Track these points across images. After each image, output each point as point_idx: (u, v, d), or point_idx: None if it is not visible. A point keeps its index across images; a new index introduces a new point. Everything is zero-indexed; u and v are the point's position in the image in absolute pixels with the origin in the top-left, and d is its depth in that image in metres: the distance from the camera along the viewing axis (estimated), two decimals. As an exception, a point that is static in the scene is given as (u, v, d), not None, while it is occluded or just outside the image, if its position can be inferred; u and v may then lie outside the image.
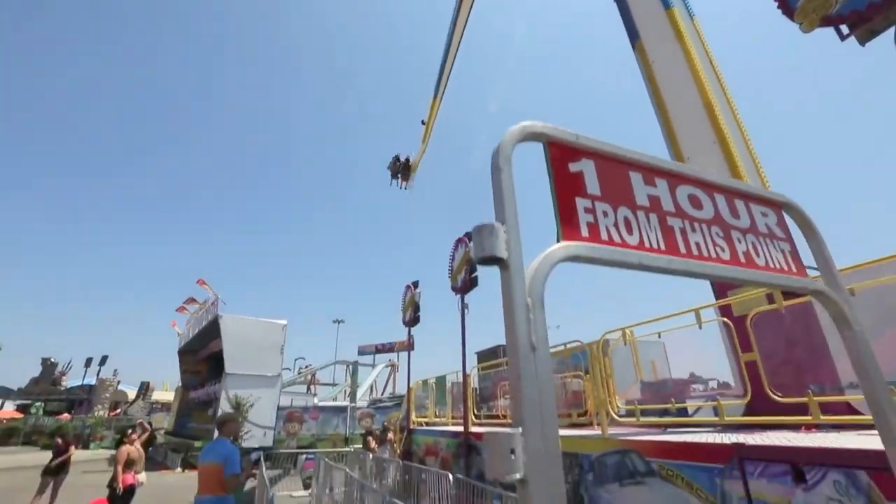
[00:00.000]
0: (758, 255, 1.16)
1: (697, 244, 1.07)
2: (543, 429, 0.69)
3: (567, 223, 0.91)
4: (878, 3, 3.24)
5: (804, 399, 3.57)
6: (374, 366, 38.22)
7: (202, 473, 4.33)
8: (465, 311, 8.05)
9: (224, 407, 16.11)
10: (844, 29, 3.53)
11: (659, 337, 5.09)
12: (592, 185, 1.00)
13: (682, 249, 1.03)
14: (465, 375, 7.75)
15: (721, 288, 5.65)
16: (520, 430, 0.67)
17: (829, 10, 3.52)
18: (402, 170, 19.37)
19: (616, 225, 0.97)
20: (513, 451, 0.65)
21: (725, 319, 4.60)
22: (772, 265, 1.17)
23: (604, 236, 0.94)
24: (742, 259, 1.12)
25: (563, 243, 0.88)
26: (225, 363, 17.87)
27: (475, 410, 8.59)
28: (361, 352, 40.32)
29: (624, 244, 0.95)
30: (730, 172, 6.02)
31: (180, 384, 26.56)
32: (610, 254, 0.91)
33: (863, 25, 3.42)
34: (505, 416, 8.25)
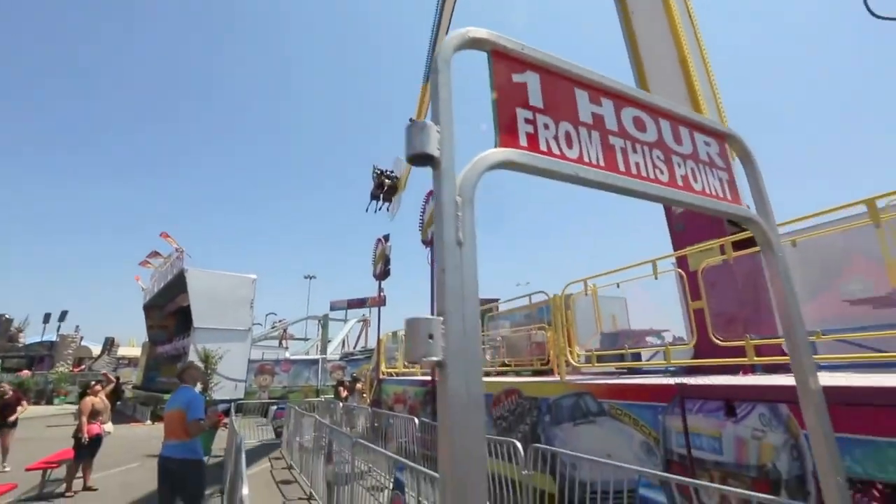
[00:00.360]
0: (696, 180, 1.19)
1: (637, 164, 1.09)
2: (464, 317, 0.71)
3: (505, 131, 0.91)
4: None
5: (742, 342, 3.83)
6: (345, 321, 38.50)
7: (167, 420, 4.38)
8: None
9: (193, 360, 16.05)
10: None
11: (618, 287, 5.30)
12: (535, 97, 0.99)
13: (622, 168, 1.05)
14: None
15: (679, 243, 5.87)
16: (441, 318, 0.69)
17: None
18: (386, 191, 14.91)
19: (556, 138, 0.97)
20: (431, 336, 0.67)
21: (680, 270, 4.81)
22: (709, 191, 1.21)
23: (542, 147, 0.94)
24: (680, 182, 1.15)
25: (500, 149, 0.87)
26: (192, 317, 17.62)
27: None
28: (334, 307, 40.37)
29: (563, 156, 0.95)
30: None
31: (147, 339, 26.14)
32: (546, 164, 0.91)
33: None
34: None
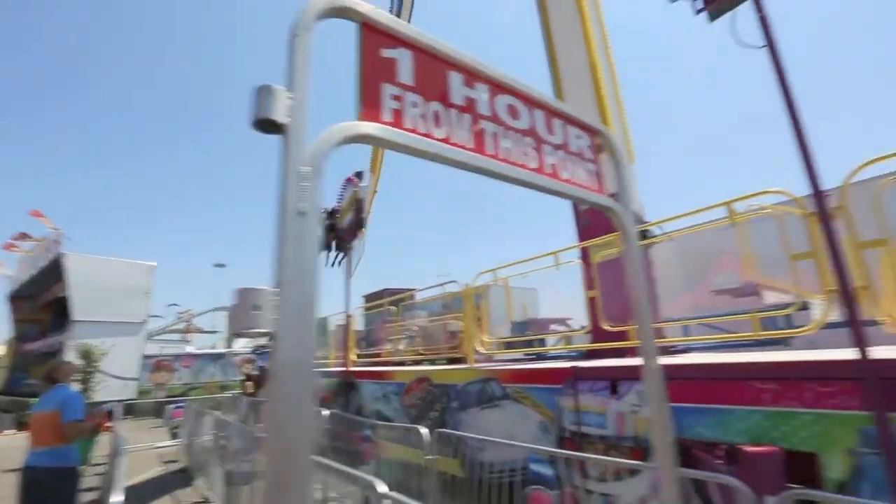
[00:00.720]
0: (564, 169, 1.27)
1: (508, 149, 1.13)
2: (303, 289, 0.68)
3: (368, 105, 0.89)
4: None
5: (625, 328, 4.24)
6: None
7: (34, 425, 3.81)
8: (352, 251, 7.94)
9: (71, 358, 14.12)
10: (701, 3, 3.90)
11: (524, 277, 5.58)
12: (406, 75, 0.98)
13: (490, 151, 1.08)
14: (347, 316, 7.77)
15: (584, 238, 6.32)
16: (272, 289, 0.66)
17: (691, -17, 3.81)
18: (339, 235, 10.39)
19: (424, 117, 0.98)
20: (257, 308, 0.64)
21: (580, 261, 5.18)
22: (576, 180, 1.29)
23: (407, 125, 0.93)
24: (548, 170, 1.21)
25: (358, 122, 0.85)
26: (72, 309, 15.47)
27: (358, 350, 8.75)
28: (246, 298, 37.81)
29: (428, 135, 0.96)
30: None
31: (13, 335, 22.50)
32: (409, 141, 0.91)
33: (714, 2, 3.78)
34: (389, 354, 8.52)
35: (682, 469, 2.79)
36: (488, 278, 5.77)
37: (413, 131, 0.93)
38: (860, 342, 2.60)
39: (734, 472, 2.69)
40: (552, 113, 1.31)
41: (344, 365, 7.63)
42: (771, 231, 4.33)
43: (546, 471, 3.13)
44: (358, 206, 7.97)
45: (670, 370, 3.37)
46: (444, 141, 0.98)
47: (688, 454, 3.09)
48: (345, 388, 7.25)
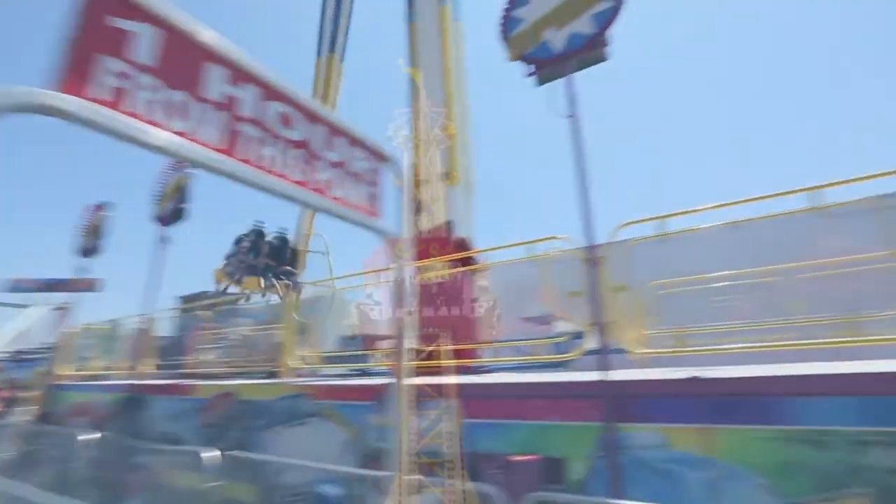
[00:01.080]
0: (338, 188, 1.30)
1: (270, 157, 1.10)
2: None
3: (74, 75, 0.77)
4: (551, 58, 4.21)
5: (433, 348, 4.53)
6: (24, 306, 28.28)
7: None
8: (166, 245, 6.87)
9: None
10: (532, 68, 4.49)
11: (344, 290, 5.55)
12: (147, 54, 0.89)
13: (243, 155, 1.04)
14: (149, 320, 6.62)
15: (420, 258, 6.60)
16: None
17: (525, 50, 4.36)
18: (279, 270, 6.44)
19: (159, 104, 0.89)
20: None
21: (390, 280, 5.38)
22: (348, 200, 1.33)
23: (130, 108, 0.84)
24: (315, 185, 1.22)
25: (51, 91, 0.73)
26: None
27: (159, 360, 7.48)
28: (15, 288, 29.22)
29: (157, 124, 0.88)
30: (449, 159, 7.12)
31: None
32: (118, 125, 0.81)
33: (540, 71, 4.38)
34: (195, 366, 7.49)
35: (424, 478, 3.05)
36: (313, 290, 5.57)
37: (134, 115, 0.83)
38: (603, 366, 3.24)
39: (504, 479, 3.04)
40: (336, 131, 1.33)
41: (133, 377, 6.43)
42: (564, 270, 5.17)
43: (333, 490, 3.07)
44: (181, 195, 6.96)
45: (471, 389, 3.70)
46: (182, 135, 0.91)
47: (475, 466, 3.39)
48: (130, 404, 6.09)
